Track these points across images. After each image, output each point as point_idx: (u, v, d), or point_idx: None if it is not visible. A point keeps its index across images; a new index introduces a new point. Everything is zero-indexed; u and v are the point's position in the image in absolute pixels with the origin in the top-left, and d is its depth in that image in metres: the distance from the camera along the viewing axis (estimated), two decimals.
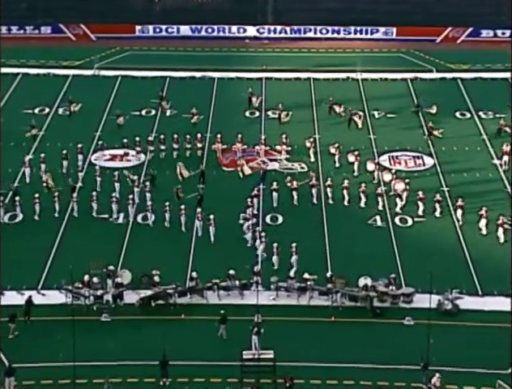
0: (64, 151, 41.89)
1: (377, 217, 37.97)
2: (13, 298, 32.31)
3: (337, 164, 42.01)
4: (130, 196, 38.14)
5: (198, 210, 36.76)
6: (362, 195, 38.66)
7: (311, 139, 43.49)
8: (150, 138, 43.75)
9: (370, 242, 36.44)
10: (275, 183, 39.05)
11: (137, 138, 43.24)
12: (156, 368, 28.67)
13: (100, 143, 43.62)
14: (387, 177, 40.63)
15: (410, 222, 37.90)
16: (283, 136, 43.40)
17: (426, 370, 28.38)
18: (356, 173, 41.14)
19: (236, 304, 32.40)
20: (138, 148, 43.02)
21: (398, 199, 38.65)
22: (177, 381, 28.75)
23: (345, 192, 38.79)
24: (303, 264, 34.08)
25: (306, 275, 33.02)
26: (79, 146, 42.41)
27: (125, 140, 43.30)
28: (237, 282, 32.92)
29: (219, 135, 43.53)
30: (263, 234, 35.35)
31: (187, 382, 28.78)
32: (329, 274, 33.25)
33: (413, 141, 45.10)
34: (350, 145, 43.92)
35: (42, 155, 41.57)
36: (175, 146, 42.85)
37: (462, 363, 29.34)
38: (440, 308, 32.04)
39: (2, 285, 32.74)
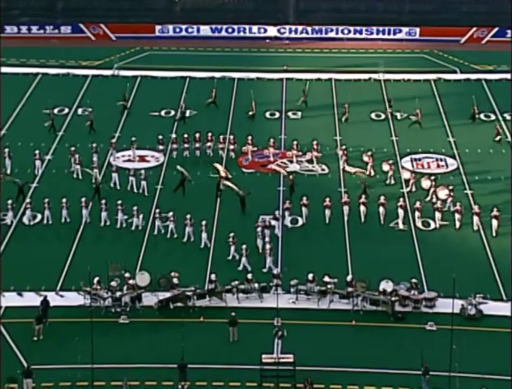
0: (94, 144, 41.98)
1: (399, 220, 37.42)
2: (32, 299, 32.15)
3: (370, 173, 40.71)
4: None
5: (188, 216, 35.97)
6: (417, 212, 36.88)
7: (343, 147, 42.41)
8: (173, 136, 43.53)
9: (392, 246, 35.92)
10: (304, 198, 37.50)
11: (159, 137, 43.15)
12: (175, 371, 28.40)
13: (133, 139, 43.00)
14: (426, 183, 39.49)
15: (432, 225, 37.33)
16: (315, 142, 42.44)
17: (427, 376, 27.84)
18: (390, 182, 40.03)
19: (255, 307, 32.07)
20: (160, 147, 42.85)
21: (437, 212, 37.18)
22: (196, 384, 28.47)
23: (381, 209, 36.98)
24: (324, 267, 33.65)
25: (326, 279, 32.62)
26: (113, 141, 42.54)
27: (160, 137, 42.93)
28: (257, 285, 32.59)
29: (250, 137, 43.03)
30: (267, 239, 34.81)
31: (206, 386, 28.50)
32: (349, 277, 32.81)
33: (436, 143, 44.55)
34: (371, 146, 43.44)
35: (72, 148, 41.51)
36: (197, 145, 42.62)
37: (486, 369, 28.81)
38: (463, 313, 31.54)
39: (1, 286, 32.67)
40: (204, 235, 35.39)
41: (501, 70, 52.41)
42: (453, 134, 45.62)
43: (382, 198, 37.38)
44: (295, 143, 42.82)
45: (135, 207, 36.77)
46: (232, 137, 43.59)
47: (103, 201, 37.16)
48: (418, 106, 45.76)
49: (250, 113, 46.29)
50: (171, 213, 36.42)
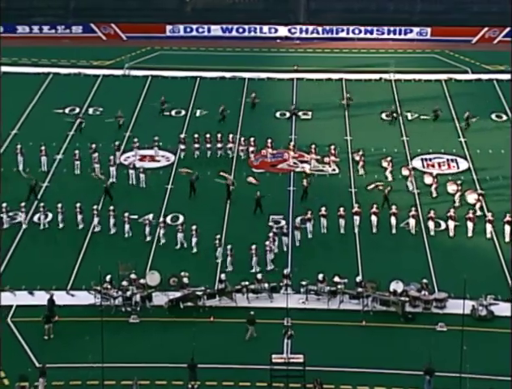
0: (117, 143, 42.28)
1: (410, 221, 37.26)
2: (43, 298, 32.16)
3: (390, 179, 39.98)
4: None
5: (179, 221, 35.64)
6: (431, 222, 35.94)
7: (360, 153, 41.35)
8: (182, 136, 43.48)
9: (403, 247, 35.75)
10: (323, 208, 36.44)
11: (182, 135, 43.15)
12: (185, 370, 28.41)
13: (155, 138, 43.08)
14: (452, 188, 38.64)
15: (443, 226, 37.16)
16: (332, 147, 41.91)
17: (428, 376, 27.70)
18: (411, 188, 39.34)
19: (265, 307, 32.05)
20: (182, 146, 42.70)
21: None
22: (206, 384, 28.46)
23: (392, 219, 35.84)
24: (334, 268, 33.61)
25: (337, 279, 32.58)
26: (135, 140, 42.45)
27: (182, 135, 42.86)
28: (267, 285, 32.58)
29: (269, 140, 42.75)
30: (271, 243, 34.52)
31: (215, 386, 28.50)
32: (358, 279, 32.71)
33: (447, 143, 44.38)
34: (382, 147, 43.43)
35: (93, 145, 41.67)
36: (208, 146, 42.50)
37: (497, 370, 28.64)
38: (474, 314, 31.43)
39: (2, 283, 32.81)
40: (194, 240, 34.94)
41: None
42: (464, 134, 45.46)
43: (394, 207, 36.45)
44: (313, 146, 42.22)
45: (126, 214, 36.06)
46: (243, 137, 43.45)
47: (94, 207, 36.73)
48: (468, 110, 45.67)
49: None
50: (161, 219, 36.15)
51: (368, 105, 47.83)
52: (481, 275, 33.19)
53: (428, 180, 39.85)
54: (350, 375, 28.78)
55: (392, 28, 57.85)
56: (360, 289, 32.24)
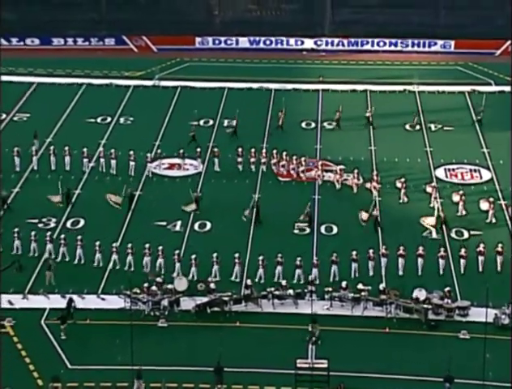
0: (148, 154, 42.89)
1: (433, 229, 37.65)
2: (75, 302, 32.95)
3: (436, 205, 38.62)
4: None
5: (176, 251, 34.98)
6: (462, 260, 34.45)
7: (402, 179, 39.90)
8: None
9: (425, 254, 36.13)
10: (371, 251, 34.71)
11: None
12: (211, 374, 28.98)
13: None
14: None
15: (466, 235, 37.50)
16: (375, 173, 41.14)
17: (447, 384, 27.95)
18: (460, 213, 38.24)
19: (290, 313, 32.59)
20: (239, 159, 42.52)
21: None
22: (232, 387, 29.00)
23: (420, 260, 34.43)
24: (358, 276, 34.13)
25: (360, 286, 33.07)
26: (181, 151, 43.06)
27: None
28: (292, 291, 33.16)
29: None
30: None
31: None
32: (381, 286, 33.14)
33: (470, 154, 44.67)
34: (406, 158, 43.81)
35: (112, 150, 42.62)
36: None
37: None
38: (497, 322, 31.67)
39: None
40: (178, 265, 34.08)
41: None
42: (487, 145, 45.77)
43: (421, 248, 34.80)
44: (356, 171, 41.13)
45: (114, 244, 35.39)
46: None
47: (114, 244, 35.30)
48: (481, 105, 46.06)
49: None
50: (176, 251, 35.18)
51: (392, 116, 48.22)
52: (504, 284, 33.39)
53: (484, 206, 38.37)
54: (373, 381, 29.15)
55: (416, 41, 58.25)
56: (383, 296, 32.70)
